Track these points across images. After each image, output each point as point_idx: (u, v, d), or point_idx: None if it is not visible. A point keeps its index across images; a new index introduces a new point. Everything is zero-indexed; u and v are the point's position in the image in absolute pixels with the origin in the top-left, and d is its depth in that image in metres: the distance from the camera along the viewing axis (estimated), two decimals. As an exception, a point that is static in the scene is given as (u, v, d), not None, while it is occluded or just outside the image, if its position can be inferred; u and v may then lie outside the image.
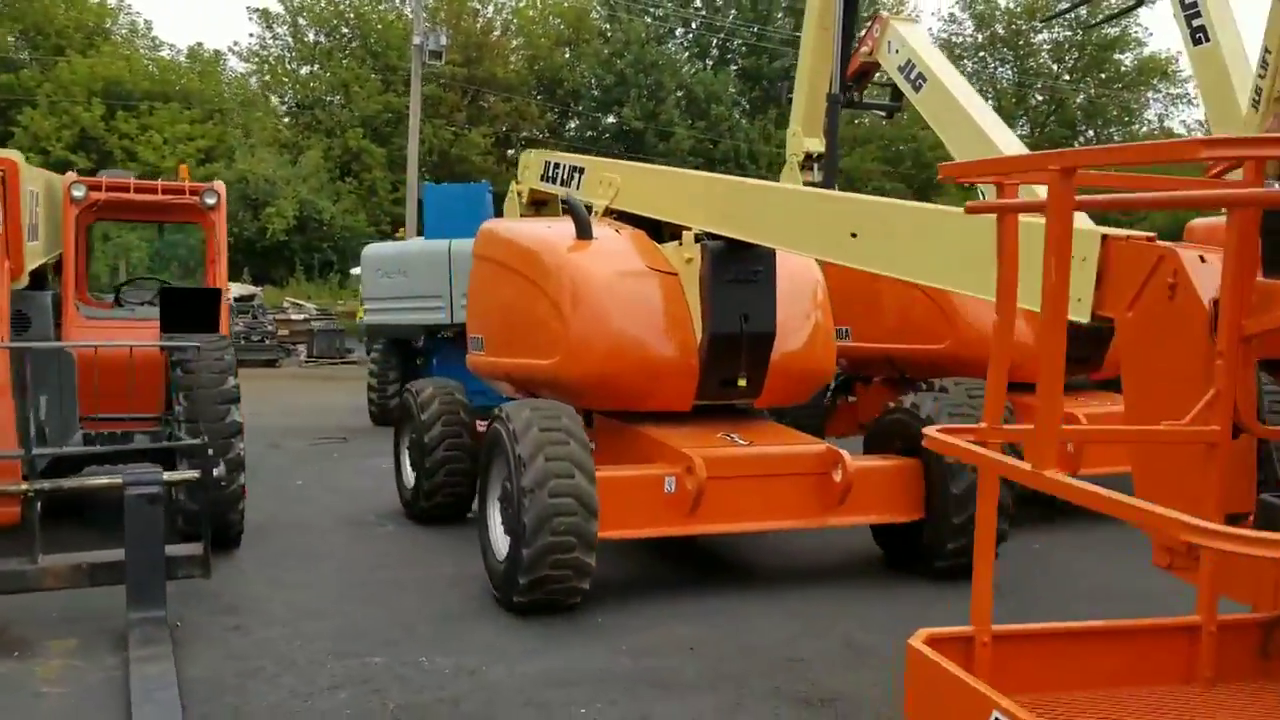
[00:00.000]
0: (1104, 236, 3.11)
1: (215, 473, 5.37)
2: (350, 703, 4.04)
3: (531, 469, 4.85)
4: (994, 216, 2.84)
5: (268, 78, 35.23)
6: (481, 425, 6.35)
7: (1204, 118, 16.29)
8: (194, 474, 4.98)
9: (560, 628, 4.89)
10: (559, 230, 6.25)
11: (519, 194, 8.14)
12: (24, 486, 4.70)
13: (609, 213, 6.66)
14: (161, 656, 4.41)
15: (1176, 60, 41.88)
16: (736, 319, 5.64)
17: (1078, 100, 41.16)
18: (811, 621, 5.03)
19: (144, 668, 4.29)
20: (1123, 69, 42.24)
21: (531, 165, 8.04)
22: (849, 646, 4.68)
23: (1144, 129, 44.54)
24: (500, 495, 5.30)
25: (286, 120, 34.43)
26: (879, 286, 7.79)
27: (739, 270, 5.66)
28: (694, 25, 38.85)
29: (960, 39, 41.70)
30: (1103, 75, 42.68)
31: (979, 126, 10.68)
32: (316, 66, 34.55)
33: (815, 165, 10.73)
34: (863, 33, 15.31)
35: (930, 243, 4.18)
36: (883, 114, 20.00)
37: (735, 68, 37.71)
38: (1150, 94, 43.29)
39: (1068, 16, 33.90)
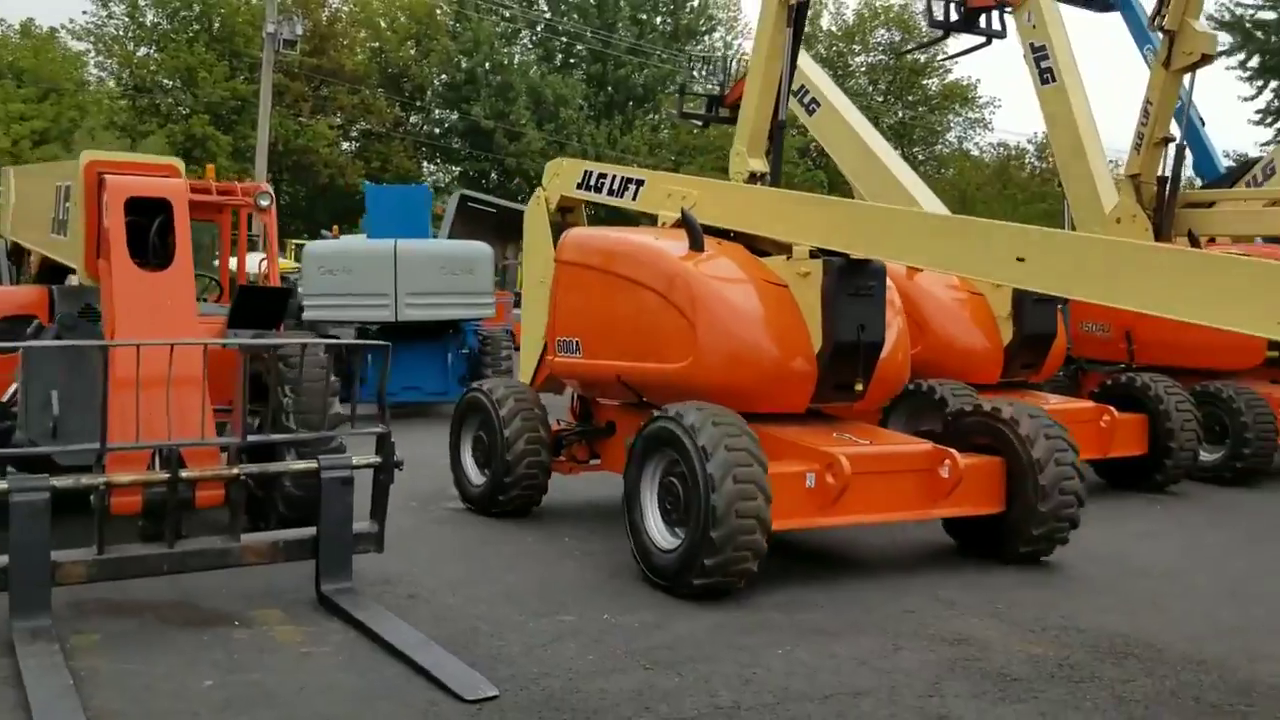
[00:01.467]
0: None
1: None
2: (582, 652, 4.69)
3: (716, 459, 5.25)
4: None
5: (103, 58, 33.60)
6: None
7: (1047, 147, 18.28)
8: (376, 459, 5.45)
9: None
10: (671, 241, 6.67)
11: (545, 200, 8.44)
12: (235, 470, 5.07)
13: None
14: (385, 616, 4.93)
15: (975, 87, 45.58)
16: (855, 329, 6.20)
17: (889, 121, 44.19)
18: (912, 592, 5.94)
19: (383, 624, 4.81)
20: (929, 93, 45.64)
21: (564, 173, 8.38)
22: (952, 605, 5.61)
23: (946, 150, 48.24)
24: (663, 490, 5.70)
25: (123, 103, 32.89)
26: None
27: (857, 285, 6.26)
28: (539, 28, 39.49)
29: (786, 57, 44.10)
30: (911, 98, 46.01)
31: (870, 149, 11.93)
32: (155, 49, 33.16)
33: (759, 184, 11.74)
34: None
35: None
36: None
37: (581, 74, 38.61)
38: (952, 117, 46.93)
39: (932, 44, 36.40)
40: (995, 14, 18.05)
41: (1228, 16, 37.02)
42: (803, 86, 13.41)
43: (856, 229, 6.33)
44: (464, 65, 34.81)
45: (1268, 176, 12.09)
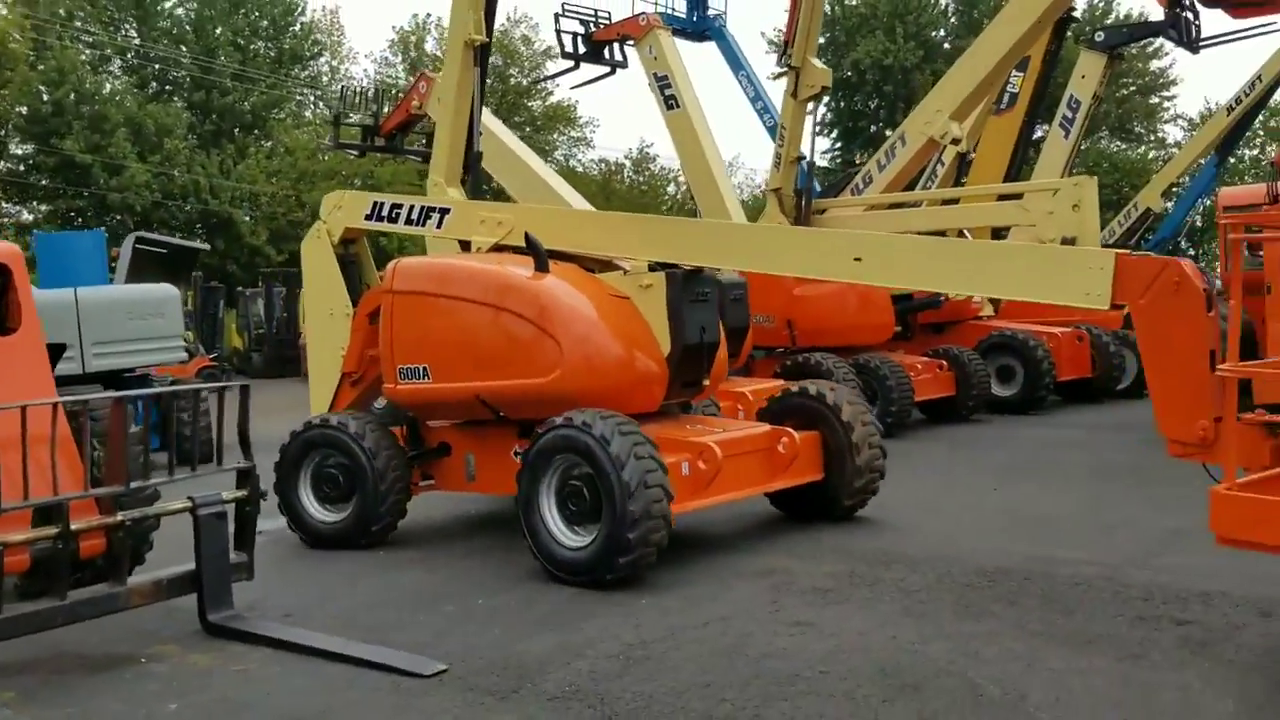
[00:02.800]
0: (1117, 255, 5.34)
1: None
2: (487, 628, 5.34)
3: (630, 467, 5.84)
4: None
5: None
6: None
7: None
8: (243, 493, 5.70)
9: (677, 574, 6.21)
10: (516, 264, 7.15)
11: (327, 233, 8.65)
12: (120, 517, 5.17)
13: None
14: (293, 630, 5.31)
15: (576, 107, 48.33)
16: (698, 331, 7.05)
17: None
18: (728, 549, 7.09)
19: (297, 635, 5.20)
20: (534, 114, 47.86)
21: (347, 205, 8.66)
22: (757, 551, 6.83)
23: (554, 166, 50.72)
24: (565, 493, 6.17)
25: None
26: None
27: (696, 292, 7.10)
28: (130, 55, 37.04)
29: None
30: (518, 119, 47.99)
31: (535, 172, 12.98)
32: None
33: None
34: (409, 87, 17.34)
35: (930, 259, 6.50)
36: (419, 159, 21.91)
37: (182, 102, 36.71)
38: (557, 136, 49.49)
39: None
40: (618, 46, 19.96)
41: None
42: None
43: (698, 243, 7.23)
44: (48, 96, 32.06)
45: (867, 184, 14.55)
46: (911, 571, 6.10)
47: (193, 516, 5.41)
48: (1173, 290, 5.09)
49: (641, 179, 51.71)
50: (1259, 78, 20.65)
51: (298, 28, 40.86)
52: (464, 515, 8.31)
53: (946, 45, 40.82)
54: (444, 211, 8.21)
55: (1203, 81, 75.41)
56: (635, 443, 5.98)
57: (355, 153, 21.67)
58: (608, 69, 20.20)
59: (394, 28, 45.54)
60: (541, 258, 7.04)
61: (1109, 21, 35.60)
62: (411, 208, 8.35)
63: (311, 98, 41.87)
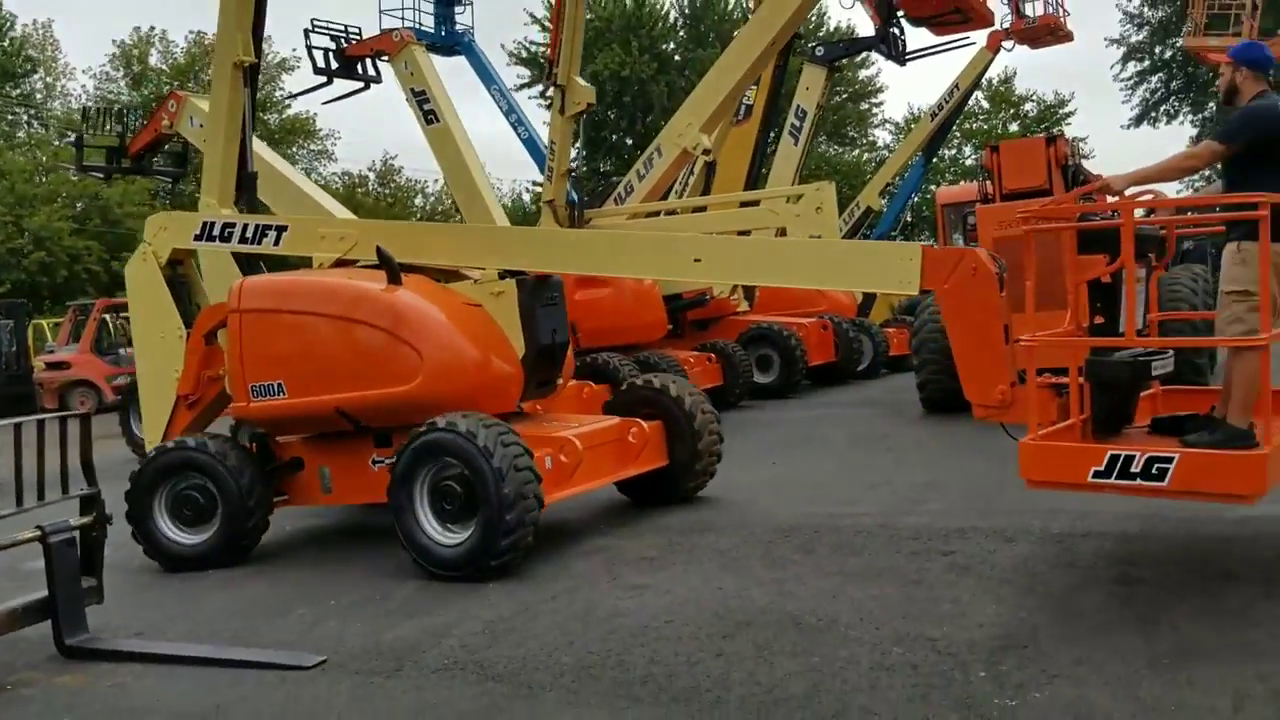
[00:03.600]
0: (923, 248, 6.02)
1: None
2: (348, 624, 5.68)
3: (498, 455, 6.17)
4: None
5: None
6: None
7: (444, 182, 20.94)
8: (89, 519, 5.75)
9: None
10: (365, 277, 7.29)
11: (154, 255, 8.54)
12: (-24, 548, 5.17)
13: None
14: (161, 643, 5.50)
15: (315, 120, 47.23)
16: (550, 333, 7.44)
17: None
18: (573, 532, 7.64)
19: (168, 647, 5.40)
20: (271, 127, 46.37)
21: (174, 227, 8.59)
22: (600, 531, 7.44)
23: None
24: (437, 494, 6.41)
25: None
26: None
27: (545, 297, 7.47)
28: None
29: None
30: (255, 133, 46.26)
31: (299, 188, 13.07)
32: None
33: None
34: (157, 107, 16.96)
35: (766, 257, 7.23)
36: (168, 179, 21.09)
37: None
38: (296, 149, 48.17)
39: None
40: (370, 61, 20.07)
41: (524, 54, 42.80)
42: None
43: (548, 251, 7.60)
44: None
45: (629, 193, 15.47)
46: (721, 536, 6.93)
47: (43, 544, 5.49)
48: (970, 275, 5.79)
49: (387, 191, 51.16)
50: (956, 86, 23.24)
51: (6, 43, 37.92)
52: (302, 529, 8.47)
53: (677, 57, 42.86)
54: (281, 229, 8.25)
55: (907, 89, 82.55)
56: (501, 433, 6.35)
57: (101, 175, 20.72)
58: (361, 84, 20.23)
59: (114, 41, 42.89)
60: (394, 270, 7.19)
61: (822, 35, 38.54)
62: (245, 226, 8.32)
63: (25, 117, 38.93)
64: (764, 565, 6.20)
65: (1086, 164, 41.18)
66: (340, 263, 7.80)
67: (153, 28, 44.25)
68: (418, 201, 51.08)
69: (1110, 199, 5.78)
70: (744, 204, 15.07)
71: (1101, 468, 4.95)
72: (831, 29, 40.80)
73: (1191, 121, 37.76)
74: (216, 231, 8.41)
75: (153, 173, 18.58)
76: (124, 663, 5.34)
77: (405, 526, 6.55)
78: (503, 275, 7.51)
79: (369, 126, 65.98)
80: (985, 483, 8.02)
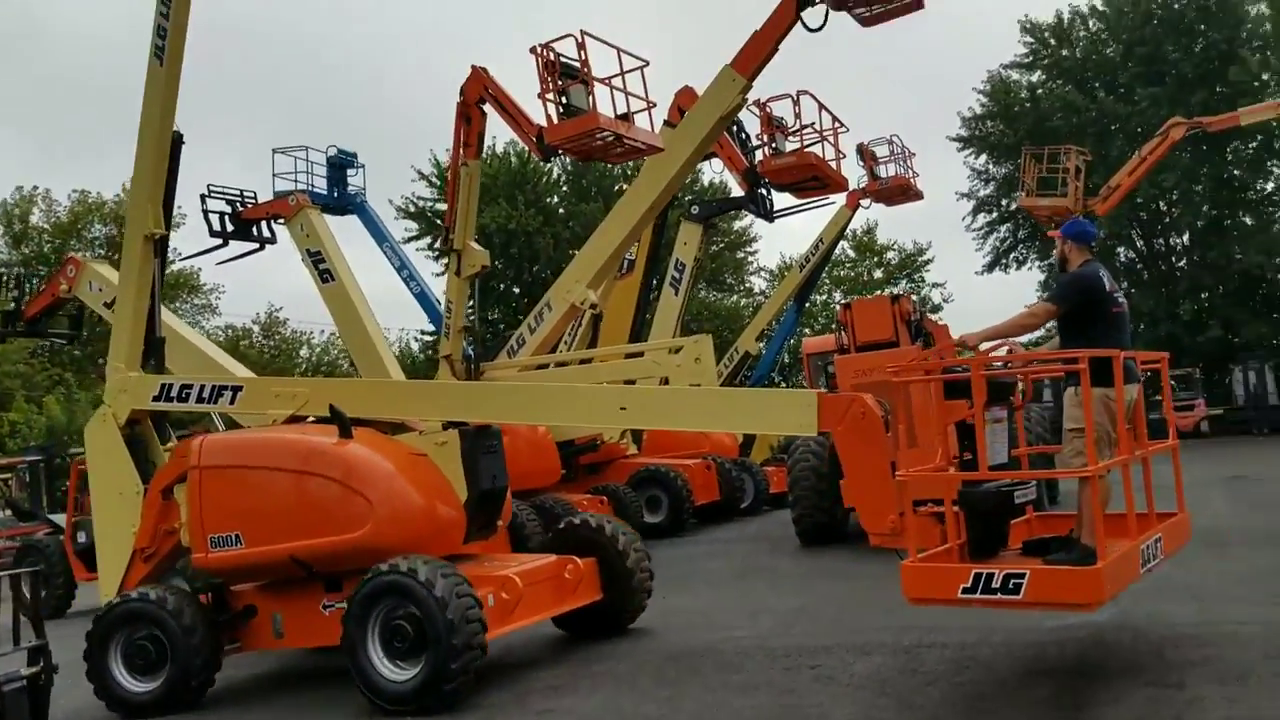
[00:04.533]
0: (819, 395, 6.75)
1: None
2: None
3: (451, 601, 6.67)
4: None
5: None
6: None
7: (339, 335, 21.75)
8: (36, 668, 6.23)
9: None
10: (319, 433, 7.83)
11: (113, 416, 8.97)
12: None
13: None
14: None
15: (199, 274, 47.22)
16: (490, 478, 8.02)
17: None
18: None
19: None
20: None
21: (133, 389, 9.06)
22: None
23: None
24: (389, 632, 6.85)
25: None
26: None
27: (485, 444, 8.07)
28: None
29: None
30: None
31: (201, 350, 13.57)
32: None
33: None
34: (55, 271, 17.55)
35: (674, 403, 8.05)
36: (64, 341, 21.35)
37: None
38: (179, 304, 48.16)
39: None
40: (266, 223, 20.93)
41: (412, 209, 44.13)
42: (101, 288, 15.07)
43: (486, 403, 8.18)
44: None
45: (521, 345, 16.44)
46: (619, 663, 7.70)
47: (-1, 692, 5.98)
48: (859, 418, 6.58)
49: (271, 343, 51.28)
50: (821, 240, 25.19)
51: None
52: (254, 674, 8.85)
53: (561, 211, 44.75)
54: (236, 389, 8.81)
55: (779, 238, 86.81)
56: (456, 584, 6.81)
57: (-3, 338, 20.84)
58: (256, 245, 20.99)
59: (-5, 200, 42.76)
60: (345, 425, 7.77)
61: (698, 190, 40.86)
62: (202, 387, 8.84)
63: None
64: (656, 685, 6.98)
65: (946, 307, 43.16)
66: (292, 419, 8.38)
67: (35, 186, 44.44)
68: (303, 353, 51.38)
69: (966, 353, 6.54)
70: (629, 355, 16.18)
71: (968, 584, 5.58)
72: (706, 184, 43.31)
73: (1039, 267, 40.86)
74: (175, 392, 8.93)
75: (48, 336, 18.92)
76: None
77: (358, 664, 6.93)
78: (446, 426, 8.11)
79: (254, 278, 66.12)
80: (850, 605, 9.02)
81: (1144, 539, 6.09)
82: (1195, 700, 5.44)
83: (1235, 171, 37.40)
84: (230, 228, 20.23)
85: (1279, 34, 37.23)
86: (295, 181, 22.92)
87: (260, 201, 20.72)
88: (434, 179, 44.09)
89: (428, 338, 44.72)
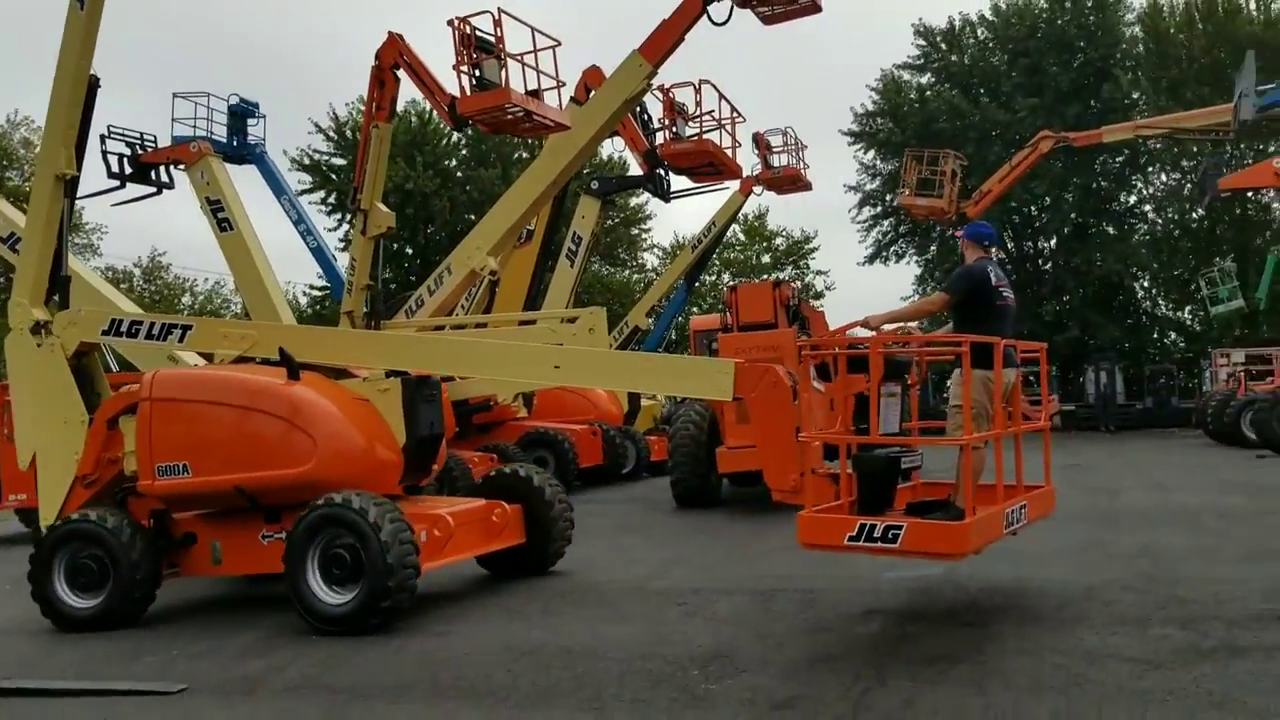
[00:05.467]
0: (736, 363, 7.32)
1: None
2: (198, 666, 6.81)
3: (389, 534, 7.26)
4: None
5: None
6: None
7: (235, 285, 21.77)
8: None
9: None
10: (269, 373, 8.23)
11: (61, 347, 9.18)
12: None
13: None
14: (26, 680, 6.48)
15: (82, 214, 45.92)
16: (429, 425, 8.51)
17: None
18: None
19: (35, 683, 6.39)
20: None
21: (83, 322, 9.26)
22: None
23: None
24: (327, 560, 7.40)
25: None
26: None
27: (425, 394, 8.56)
28: None
29: None
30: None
31: (95, 288, 13.73)
32: None
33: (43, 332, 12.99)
34: None
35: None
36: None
37: None
38: (59, 242, 46.64)
39: None
40: (165, 169, 20.94)
41: (307, 161, 43.71)
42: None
43: (428, 354, 8.63)
44: None
45: (420, 306, 16.96)
46: (510, 598, 8.48)
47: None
48: (771, 386, 7.10)
49: (153, 288, 50.18)
50: (714, 223, 26.20)
51: None
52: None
53: (460, 174, 44.89)
54: (185, 328, 9.15)
55: (673, 217, 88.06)
56: (393, 519, 7.42)
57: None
58: (154, 190, 20.95)
59: None
60: (293, 367, 8.25)
61: (597, 163, 41.52)
62: (152, 324, 9.14)
63: None
64: (542, 615, 7.80)
65: (828, 294, 44.75)
66: (240, 359, 8.77)
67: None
68: (185, 300, 50.38)
69: (867, 332, 7.11)
70: (523, 322, 16.85)
71: (854, 534, 6.19)
72: (606, 159, 43.99)
73: (916, 262, 42.82)
74: (125, 328, 9.21)
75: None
76: (11, 698, 6.34)
77: (297, 587, 7.48)
78: (389, 374, 8.61)
79: (137, 220, 64.32)
80: (717, 557, 10.00)
81: (1010, 504, 6.86)
82: (995, 635, 6.52)
83: (1102, 183, 39.80)
84: (129, 170, 20.19)
85: (1149, 56, 39.72)
86: (195, 128, 22.84)
87: (161, 146, 20.70)
88: (331, 133, 43.75)
89: (317, 292, 44.50)
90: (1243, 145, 35.92)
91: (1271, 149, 37.16)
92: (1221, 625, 6.34)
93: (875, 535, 6.13)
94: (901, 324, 7.61)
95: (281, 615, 8.00)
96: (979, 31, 41.46)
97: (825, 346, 7.81)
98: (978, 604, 7.41)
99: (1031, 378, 13.84)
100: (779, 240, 50.30)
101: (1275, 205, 38.73)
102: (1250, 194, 35.38)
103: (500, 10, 13.32)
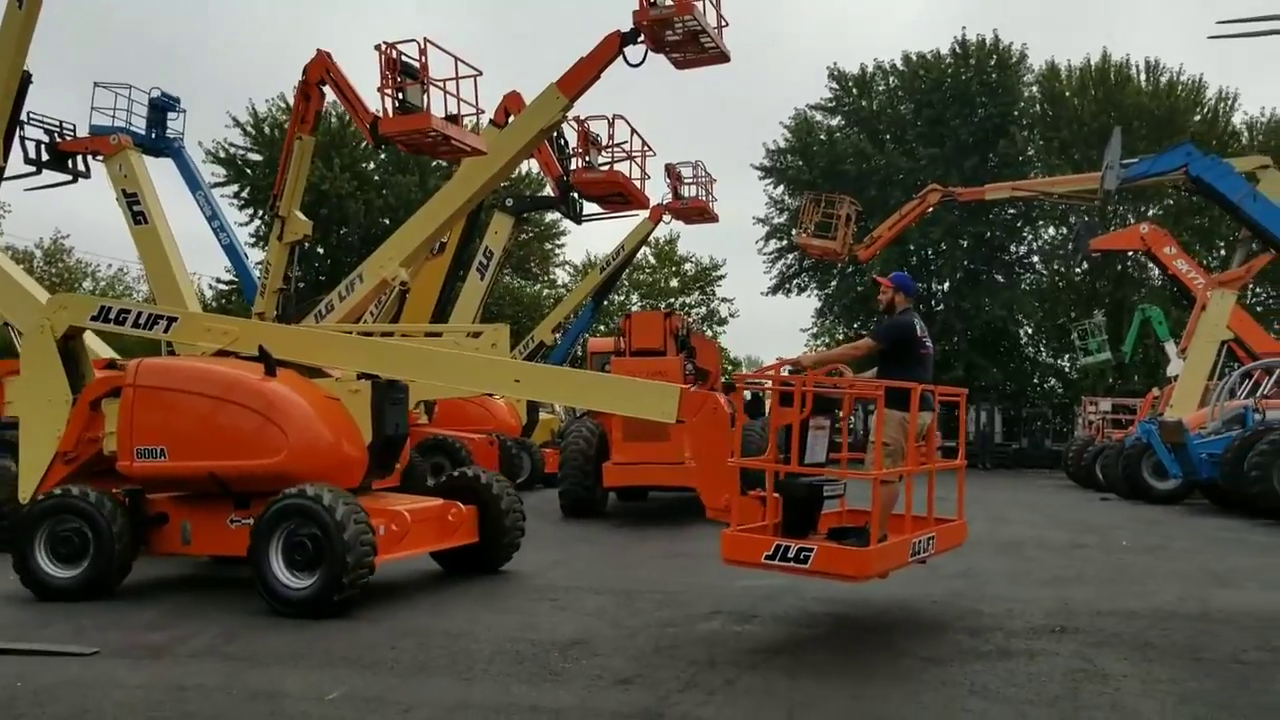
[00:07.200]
0: (681, 389, 7.93)
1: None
2: (112, 628, 7.49)
3: (349, 526, 7.78)
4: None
5: None
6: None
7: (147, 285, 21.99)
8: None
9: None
10: (246, 368, 8.72)
11: (51, 330, 9.53)
12: None
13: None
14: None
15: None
16: (394, 426, 9.08)
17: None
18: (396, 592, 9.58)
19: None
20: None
21: (73, 307, 9.65)
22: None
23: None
24: (290, 547, 7.92)
25: None
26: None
27: (393, 397, 9.11)
28: None
29: None
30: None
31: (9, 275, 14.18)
32: None
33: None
34: None
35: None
36: None
37: None
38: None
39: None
40: (82, 158, 21.29)
41: (222, 154, 43.62)
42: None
43: (396, 360, 9.15)
44: None
45: (329, 310, 17.62)
46: (404, 584, 9.30)
47: None
48: (711, 412, 7.67)
49: (54, 270, 49.34)
50: (623, 246, 27.26)
51: None
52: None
53: (377, 178, 45.22)
54: (171, 319, 9.63)
55: (586, 235, 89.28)
56: (354, 512, 7.94)
57: None
58: (69, 178, 21.20)
59: None
60: (270, 364, 8.80)
61: (514, 178, 42.30)
62: (139, 314, 9.61)
63: None
64: (431, 603, 8.65)
65: (732, 321, 46.18)
66: (220, 353, 9.31)
67: None
68: (87, 285, 49.63)
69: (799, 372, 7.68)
70: (429, 334, 17.62)
71: (770, 553, 6.68)
72: (524, 174, 44.76)
73: (817, 295, 44.56)
74: (113, 315, 9.63)
75: None
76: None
77: (261, 571, 8.00)
78: (360, 376, 9.18)
79: (39, 202, 63.02)
80: (595, 562, 10.97)
81: (918, 535, 7.42)
82: (815, 635, 7.59)
83: (995, 232, 42.01)
84: (45, 157, 20.44)
85: (1044, 116, 42.09)
86: (114, 118, 23.09)
87: (79, 135, 20.97)
88: (249, 128, 43.74)
89: (223, 286, 44.28)
90: (1122, 207, 38.41)
91: (1150, 211, 39.82)
92: (1003, 635, 7.48)
93: (789, 555, 6.66)
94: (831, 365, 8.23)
95: (181, 594, 8.74)
96: (889, 79, 43.38)
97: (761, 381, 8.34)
98: (808, 610, 8.47)
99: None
100: (688, 266, 51.69)
101: (1150, 265, 41.42)
102: (1130, 253, 37.69)
103: (426, 40, 14.19)
